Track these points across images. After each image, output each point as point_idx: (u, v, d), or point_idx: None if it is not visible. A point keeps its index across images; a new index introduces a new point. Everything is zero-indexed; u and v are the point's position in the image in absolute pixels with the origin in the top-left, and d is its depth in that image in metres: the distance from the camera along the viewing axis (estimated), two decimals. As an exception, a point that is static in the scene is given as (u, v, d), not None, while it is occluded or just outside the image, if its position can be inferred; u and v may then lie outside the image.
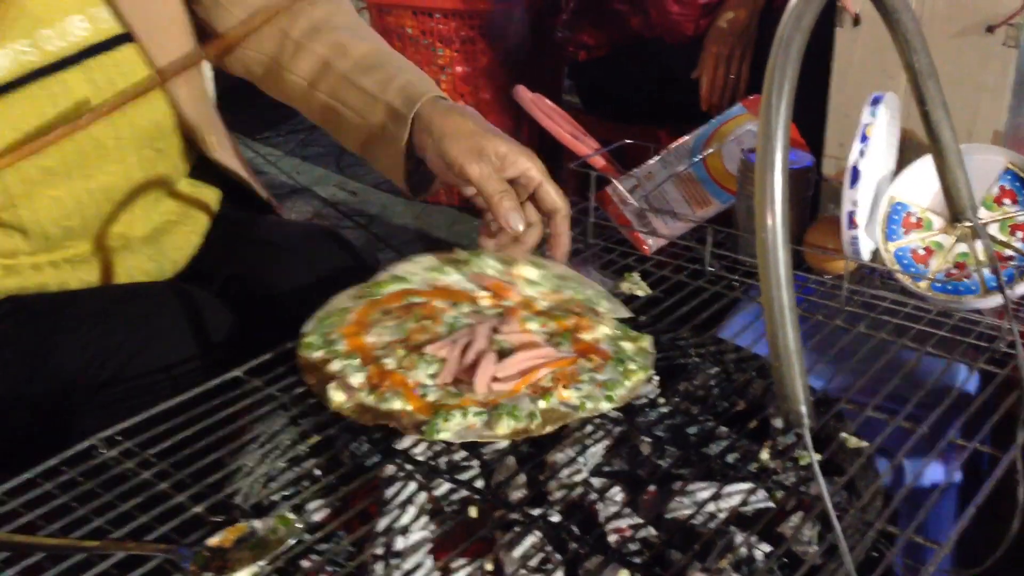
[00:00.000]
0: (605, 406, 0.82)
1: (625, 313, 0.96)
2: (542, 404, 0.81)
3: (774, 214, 0.52)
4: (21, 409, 1.03)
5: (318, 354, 0.88)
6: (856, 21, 1.42)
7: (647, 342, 0.91)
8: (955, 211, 0.65)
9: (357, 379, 0.84)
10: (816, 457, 0.81)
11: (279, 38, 1.07)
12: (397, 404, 0.81)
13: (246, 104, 3.94)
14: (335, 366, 0.86)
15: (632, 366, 0.87)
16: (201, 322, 1.04)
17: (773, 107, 0.53)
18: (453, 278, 0.98)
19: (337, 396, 0.83)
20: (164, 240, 1.16)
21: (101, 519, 0.74)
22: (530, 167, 0.93)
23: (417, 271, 0.99)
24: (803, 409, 0.52)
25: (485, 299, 0.95)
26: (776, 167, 0.52)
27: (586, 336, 0.90)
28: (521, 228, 0.91)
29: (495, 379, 0.83)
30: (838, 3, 1.38)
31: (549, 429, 0.80)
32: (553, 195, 0.94)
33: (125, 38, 1.03)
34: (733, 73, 2.09)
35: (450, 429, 0.79)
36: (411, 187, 1.04)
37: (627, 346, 0.90)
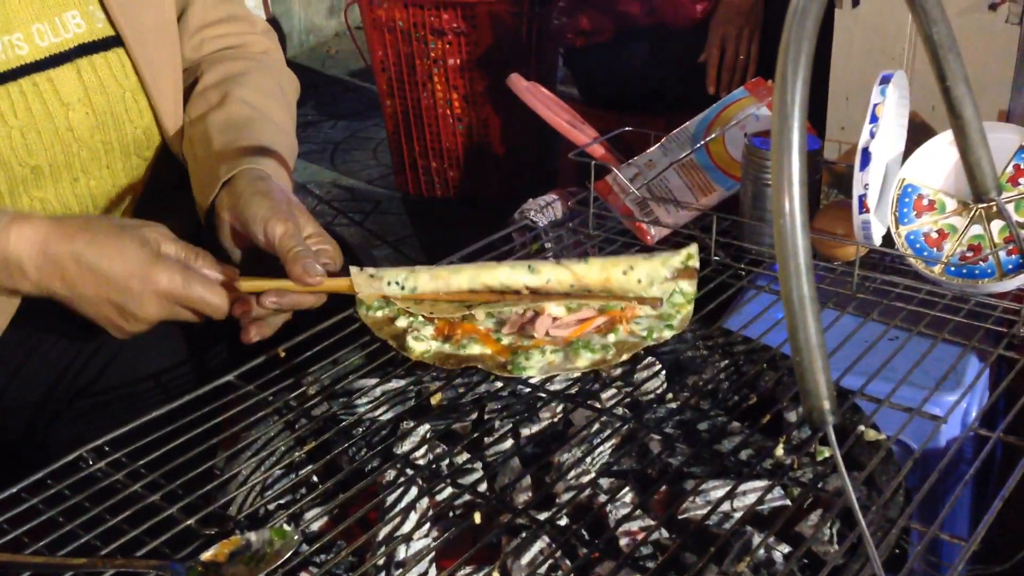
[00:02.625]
0: (668, 333, 0.88)
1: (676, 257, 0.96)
2: (611, 338, 0.87)
3: (792, 198, 0.49)
4: None
5: (380, 313, 0.91)
6: (855, 2, 1.39)
7: (693, 250, 0.95)
8: (978, 191, 0.62)
9: (427, 331, 0.89)
10: (841, 460, 0.79)
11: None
12: (476, 349, 0.87)
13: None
14: (402, 322, 0.90)
15: (679, 298, 0.92)
16: (182, 327, 0.99)
17: (789, 83, 0.49)
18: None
19: (418, 346, 0.87)
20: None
21: (89, 534, 0.71)
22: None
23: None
24: (827, 405, 0.49)
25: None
26: (793, 148, 0.49)
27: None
28: (317, 280, 0.87)
29: (553, 330, 0.88)
30: (837, -17, 1.35)
31: (625, 357, 0.85)
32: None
33: (117, 41, 1.01)
34: (742, 54, 2.05)
35: (533, 366, 0.85)
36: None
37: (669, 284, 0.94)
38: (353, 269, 0.93)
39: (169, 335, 0.98)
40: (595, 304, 0.91)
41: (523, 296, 0.93)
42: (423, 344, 0.88)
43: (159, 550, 0.70)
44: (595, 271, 0.95)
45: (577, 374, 0.88)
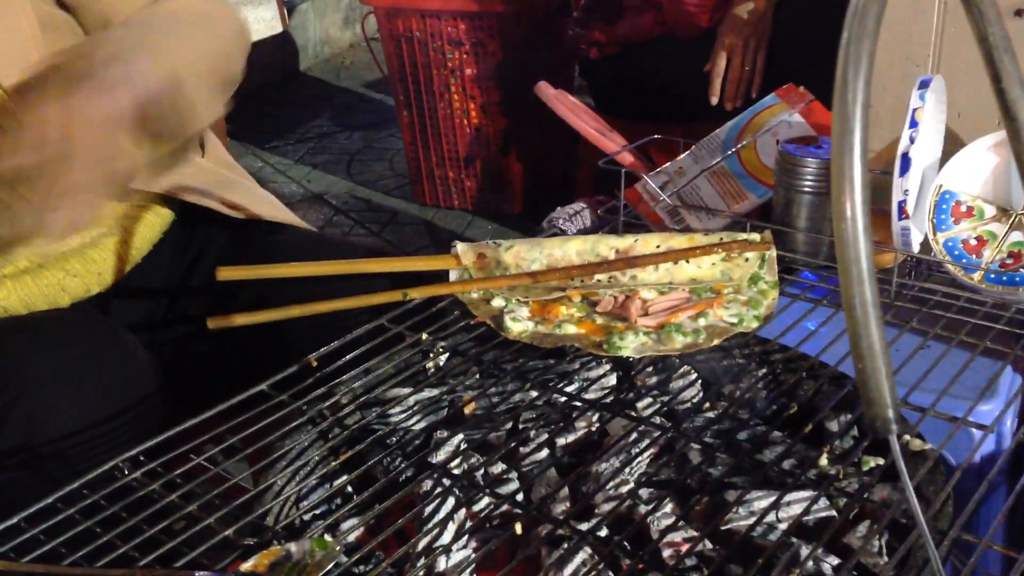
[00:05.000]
0: (755, 324, 0.91)
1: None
2: (702, 322, 0.91)
3: (854, 203, 0.47)
4: None
5: (476, 294, 0.96)
6: (881, 8, 1.38)
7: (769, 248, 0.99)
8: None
9: (523, 312, 0.93)
10: (880, 462, 0.77)
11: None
12: (571, 329, 0.90)
13: (254, 115, 3.92)
14: (498, 302, 0.95)
15: (763, 285, 0.96)
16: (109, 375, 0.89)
17: (850, 85, 0.48)
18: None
19: (516, 326, 0.91)
20: (90, 252, 1.01)
21: (127, 545, 0.70)
22: None
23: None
24: (891, 414, 0.48)
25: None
26: (855, 152, 0.48)
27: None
28: None
29: (645, 313, 0.91)
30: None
31: (716, 342, 0.88)
32: None
33: None
34: (748, 65, 2.05)
35: (628, 346, 0.88)
36: None
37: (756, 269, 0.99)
38: (460, 244, 1.00)
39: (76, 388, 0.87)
40: (686, 288, 0.96)
41: (615, 262, 0.98)
42: (520, 324, 0.91)
43: (198, 561, 0.69)
44: (680, 239, 1.00)
45: (612, 382, 0.87)
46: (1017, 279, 0.96)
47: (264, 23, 3.15)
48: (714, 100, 2.08)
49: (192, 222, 1.11)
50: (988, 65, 0.59)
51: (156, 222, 1.09)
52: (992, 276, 0.97)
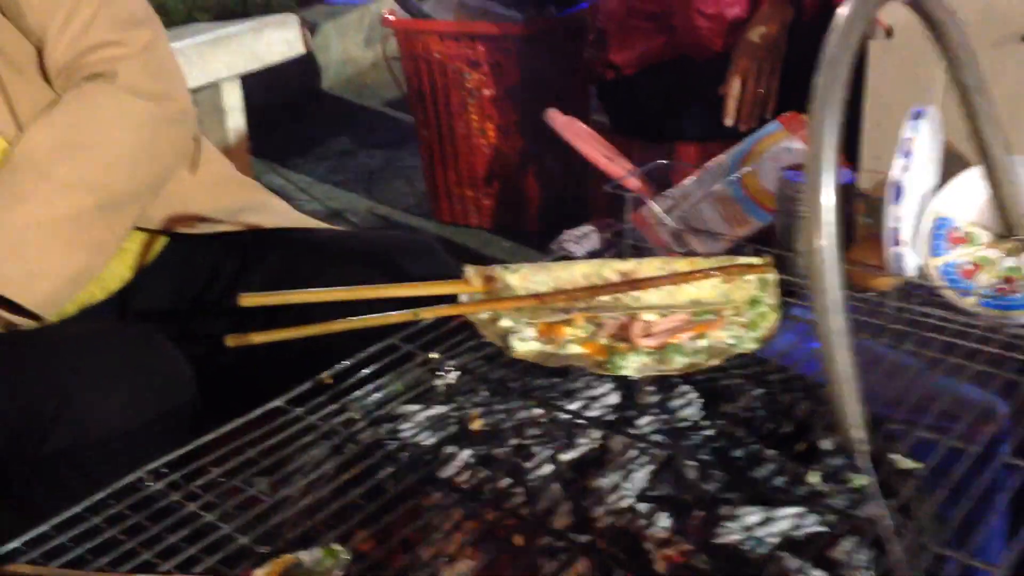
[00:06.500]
0: (753, 346, 0.93)
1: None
2: (702, 343, 0.93)
3: (825, 237, 0.51)
4: None
5: (484, 315, 0.98)
6: (889, 34, 1.41)
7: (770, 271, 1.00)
8: (1008, 224, 0.64)
9: (530, 332, 0.94)
10: (878, 486, 0.80)
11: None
12: (575, 349, 0.92)
13: (277, 131, 3.97)
14: (506, 323, 0.96)
15: (764, 308, 0.97)
16: (151, 381, 0.98)
17: (823, 127, 0.52)
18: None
19: (522, 346, 0.92)
20: None
21: (149, 552, 0.74)
22: None
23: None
24: (859, 434, 0.51)
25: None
26: (827, 188, 0.52)
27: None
28: None
29: (647, 334, 0.94)
30: (870, 16, 1.37)
31: (715, 362, 0.90)
32: None
33: None
34: (762, 87, 2.08)
35: (629, 366, 0.90)
36: None
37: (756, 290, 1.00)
38: (469, 267, 1.03)
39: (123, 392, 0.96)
40: (687, 310, 0.98)
41: (619, 284, 1.01)
42: (526, 344, 0.93)
43: (215, 568, 0.73)
44: (682, 262, 1.03)
45: (614, 401, 0.91)
46: (1011, 304, 0.99)
47: (287, 44, 3.22)
48: (729, 122, 2.11)
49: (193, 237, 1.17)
50: (963, 104, 0.62)
51: (156, 239, 1.15)
52: (986, 301, 0.99)
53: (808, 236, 0.51)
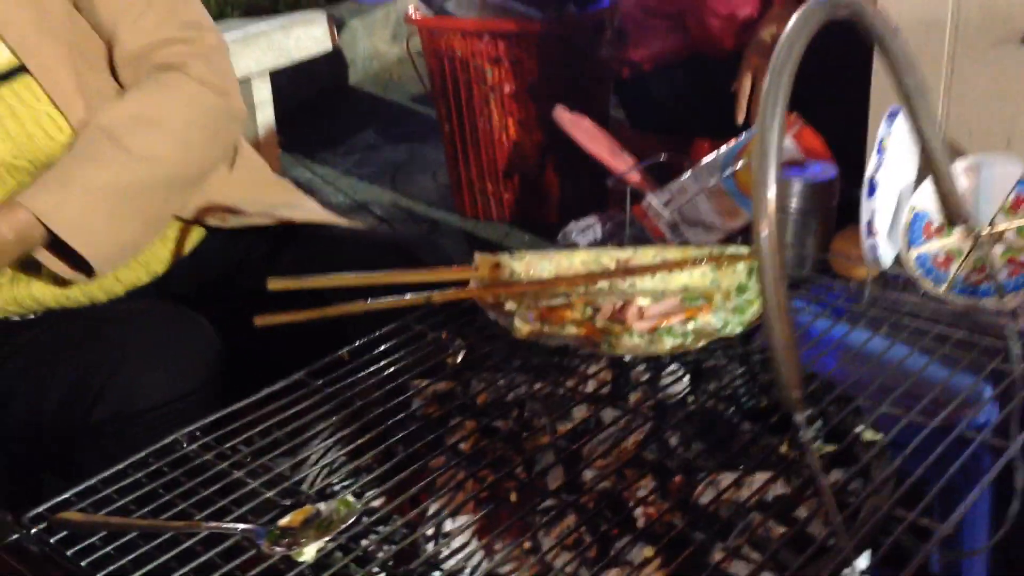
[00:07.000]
0: (739, 329, 0.98)
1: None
2: (691, 326, 0.99)
3: (768, 225, 0.59)
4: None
5: (491, 299, 1.05)
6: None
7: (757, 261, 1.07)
8: (951, 217, 0.72)
9: (532, 315, 1.02)
10: (809, 437, 0.88)
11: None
12: (572, 330, 0.99)
13: (305, 126, 4.07)
14: (510, 306, 1.04)
15: (750, 295, 1.03)
16: (188, 352, 1.08)
17: (768, 129, 0.60)
18: None
19: (524, 327, 0.99)
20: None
21: (186, 503, 0.84)
22: None
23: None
24: (796, 394, 0.59)
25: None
26: (770, 183, 0.60)
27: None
28: None
29: (641, 317, 1.01)
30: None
31: (703, 343, 0.96)
32: None
33: (21, 69, 1.11)
34: None
35: (622, 347, 0.96)
36: None
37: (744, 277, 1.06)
38: (478, 255, 1.11)
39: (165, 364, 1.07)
40: (678, 296, 1.05)
41: (615, 271, 1.09)
42: (528, 325, 1.01)
43: (244, 517, 0.82)
44: (674, 251, 1.10)
45: (608, 377, 0.99)
46: (980, 292, 1.06)
47: (314, 40, 3.33)
48: (740, 118, 2.18)
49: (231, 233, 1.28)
50: (906, 107, 0.70)
51: (193, 229, 1.25)
52: (957, 288, 1.07)
53: (755, 227, 0.59)
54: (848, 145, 1.38)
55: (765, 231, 0.59)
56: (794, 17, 0.62)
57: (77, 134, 1.12)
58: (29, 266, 1.13)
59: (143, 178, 1.12)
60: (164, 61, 1.17)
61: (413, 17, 2.88)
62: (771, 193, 0.59)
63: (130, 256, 1.15)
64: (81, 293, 1.17)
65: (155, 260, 1.22)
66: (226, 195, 1.26)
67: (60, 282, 1.14)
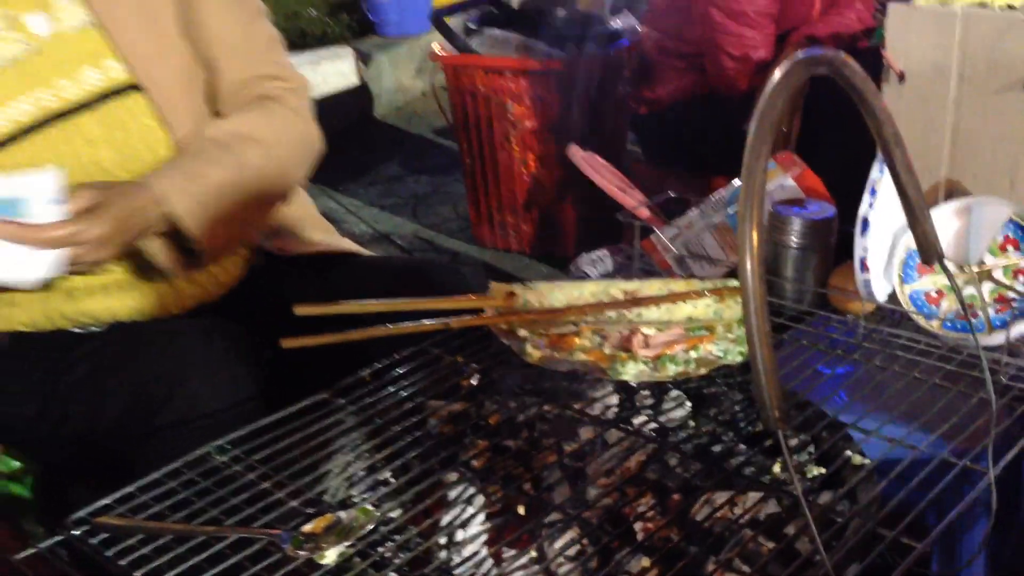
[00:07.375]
0: (739, 359, 1.04)
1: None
2: (694, 354, 1.05)
3: (752, 260, 0.65)
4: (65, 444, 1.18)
5: (504, 326, 1.13)
6: (901, 78, 1.52)
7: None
8: (926, 256, 0.78)
9: (543, 341, 1.10)
10: (823, 471, 0.93)
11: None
12: (581, 356, 1.06)
13: (331, 157, 4.15)
14: (522, 333, 1.11)
15: None
16: (236, 363, 1.16)
17: (753, 174, 0.67)
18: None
19: (536, 352, 1.07)
20: (196, 275, 1.28)
21: (216, 510, 0.90)
22: None
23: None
24: (776, 414, 0.65)
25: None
26: (754, 221, 0.66)
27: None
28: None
29: (646, 346, 1.07)
30: (884, 61, 1.49)
31: (703, 371, 1.03)
32: None
33: (132, 87, 1.21)
34: (784, 127, 2.22)
35: (628, 372, 1.03)
36: None
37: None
38: (494, 284, 1.19)
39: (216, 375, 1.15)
40: (682, 325, 1.12)
41: (623, 302, 1.15)
42: (539, 351, 1.08)
43: (270, 523, 0.88)
44: (680, 283, 1.17)
45: (614, 401, 1.05)
46: (969, 327, 1.11)
47: (341, 76, 3.43)
48: None
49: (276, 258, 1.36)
50: (884, 156, 0.76)
51: (243, 255, 1.34)
52: (948, 324, 1.12)
53: (740, 261, 0.66)
54: (851, 186, 1.44)
55: (748, 264, 0.65)
56: (776, 72, 0.68)
57: (179, 150, 1.22)
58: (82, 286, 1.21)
59: (248, 186, 1.23)
60: (265, 93, 1.30)
61: (438, 54, 2.97)
62: (754, 230, 0.65)
63: (227, 253, 1.25)
64: (159, 306, 1.26)
65: (225, 274, 1.30)
66: (284, 223, 1.36)
67: (128, 296, 1.23)
